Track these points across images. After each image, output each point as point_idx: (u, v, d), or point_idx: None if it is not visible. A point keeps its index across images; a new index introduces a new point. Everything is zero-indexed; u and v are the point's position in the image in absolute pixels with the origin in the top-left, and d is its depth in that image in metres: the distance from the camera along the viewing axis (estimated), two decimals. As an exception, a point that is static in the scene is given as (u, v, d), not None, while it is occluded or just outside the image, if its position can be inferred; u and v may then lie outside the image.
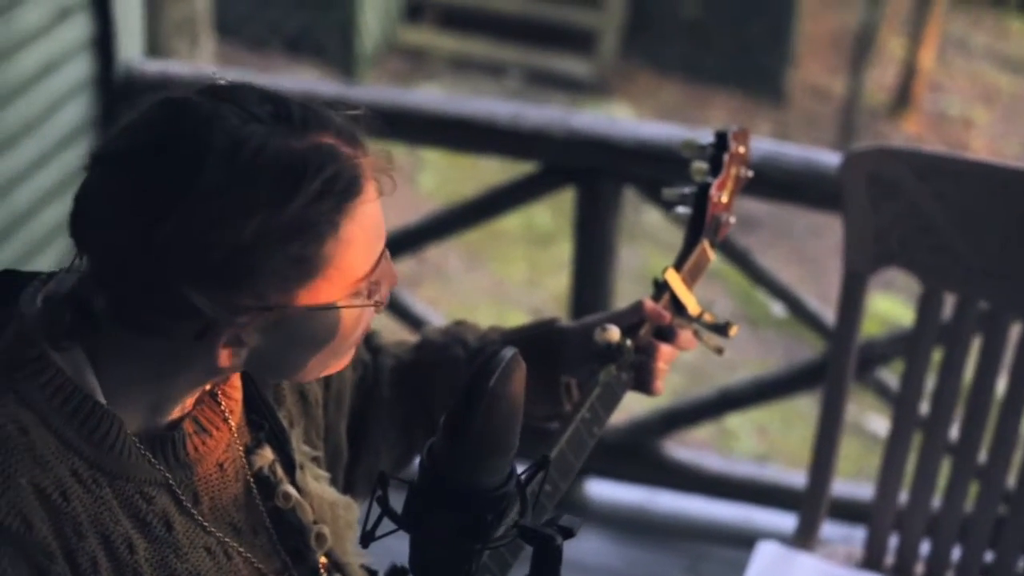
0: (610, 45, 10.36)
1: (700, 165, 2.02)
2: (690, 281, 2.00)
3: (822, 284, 7.51)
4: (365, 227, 1.50)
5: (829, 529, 2.91)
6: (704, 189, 2.01)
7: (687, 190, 2.03)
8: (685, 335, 1.95)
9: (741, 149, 2.06)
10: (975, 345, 2.71)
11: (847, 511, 3.55)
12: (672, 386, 6.83)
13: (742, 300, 7.73)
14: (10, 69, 3.49)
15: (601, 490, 3.97)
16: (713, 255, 2.05)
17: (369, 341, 2.01)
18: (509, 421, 1.42)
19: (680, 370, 7.06)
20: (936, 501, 2.77)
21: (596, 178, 3.58)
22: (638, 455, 3.87)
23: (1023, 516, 2.69)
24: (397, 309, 3.84)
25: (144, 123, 1.50)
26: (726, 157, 2.03)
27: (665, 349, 1.92)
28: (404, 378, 1.99)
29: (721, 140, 2.04)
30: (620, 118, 7.11)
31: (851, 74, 10.06)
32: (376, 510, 1.49)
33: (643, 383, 1.94)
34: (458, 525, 1.44)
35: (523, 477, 1.48)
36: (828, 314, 3.62)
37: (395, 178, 1.56)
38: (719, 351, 2.01)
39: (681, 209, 2.03)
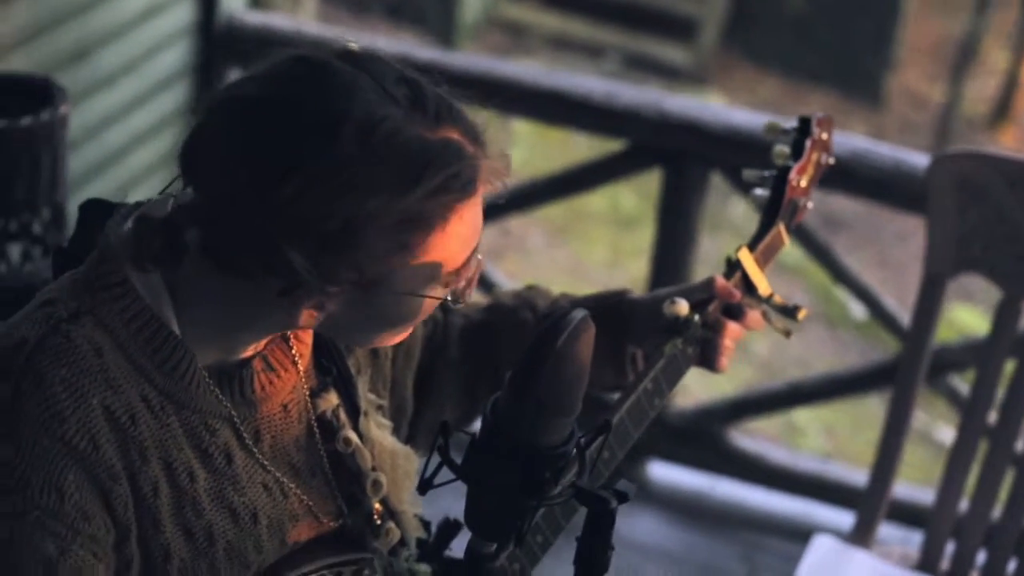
0: (710, 35, 10.34)
1: (782, 149, 2.03)
2: (763, 262, 2.00)
3: (903, 290, 7.46)
4: (468, 225, 1.54)
5: (886, 530, 2.93)
6: (784, 172, 2.01)
7: (767, 173, 2.04)
8: (753, 315, 1.95)
9: (824, 136, 2.06)
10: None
11: (906, 514, 3.55)
12: (744, 378, 6.84)
13: (822, 299, 7.70)
14: (115, 9, 3.55)
15: (663, 473, 3.99)
16: (787, 239, 2.05)
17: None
18: (574, 382, 1.44)
19: (752, 363, 7.06)
20: (996, 512, 2.77)
21: (684, 161, 3.60)
22: (703, 441, 3.90)
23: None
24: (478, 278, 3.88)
25: (279, 76, 1.53)
26: (808, 142, 2.03)
27: (732, 326, 1.93)
28: (473, 338, 2.01)
29: (804, 125, 2.05)
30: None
31: (951, 82, 9.98)
32: (436, 459, 1.52)
33: (708, 359, 1.95)
34: (515, 481, 1.46)
35: (583, 440, 1.51)
36: (906, 318, 3.61)
37: (506, 183, 1.59)
38: (787, 334, 2.01)
39: (759, 191, 2.04)
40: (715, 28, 10.36)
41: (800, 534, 3.37)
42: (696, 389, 6.21)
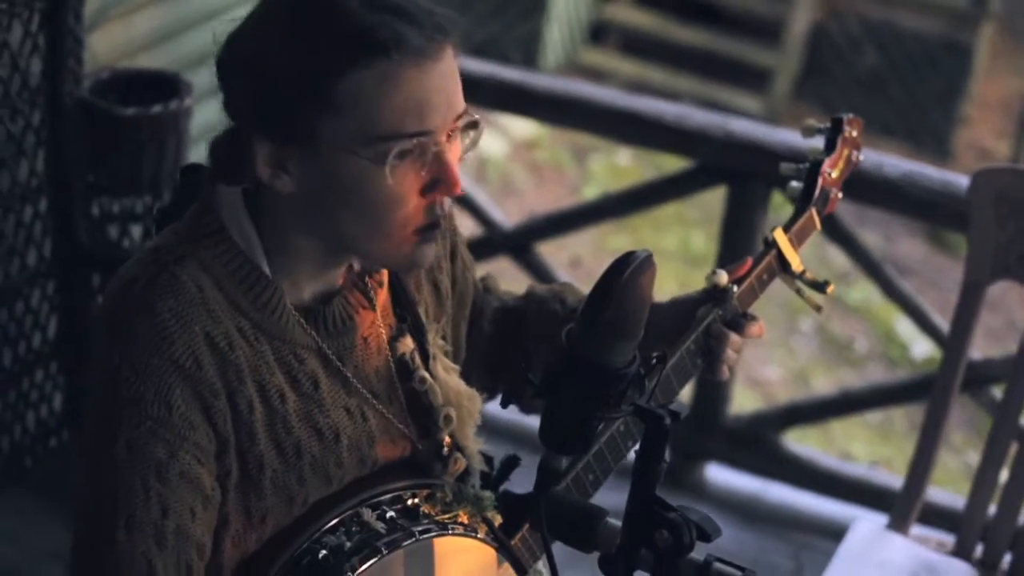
0: (784, 85, 10.48)
1: (816, 146, 2.29)
2: (796, 243, 2.24)
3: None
4: (393, 89, 1.69)
5: (917, 530, 3.06)
6: (817, 163, 2.27)
7: (802, 165, 2.29)
8: (753, 327, 2.16)
9: (854, 133, 2.34)
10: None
11: (939, 518, 3.67)
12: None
13: (883, 340, 7.84)
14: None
15: (719, 475, 4.17)
16: (819, 224, 2.30)
17: (483, 280, 2.25)
18: (637, 309, 1.66)
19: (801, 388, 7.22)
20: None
21: (748, 180, 3.79)
22: (757, 446, 4.08)
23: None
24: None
25: None
26: (840, 139, 2.30)
27: (734, 338, 2.13)
28: (505, 319, 2.23)
29: (837, 124, 2.31)
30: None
31: (1017, 137, 10.09)
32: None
33: (712, 367, 2.15)
34: (584, 395, 1.67)
35: (642, 368, 1.72)
36: (974, 354, 3.74)
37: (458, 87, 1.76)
38: (818, 309, 2.26)
39: (795, 183, 2.29)
40: (788, 78, 10.49)
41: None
42: (749, 397, 6.38)
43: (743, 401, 6.73)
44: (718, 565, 1.71)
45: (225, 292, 1.78)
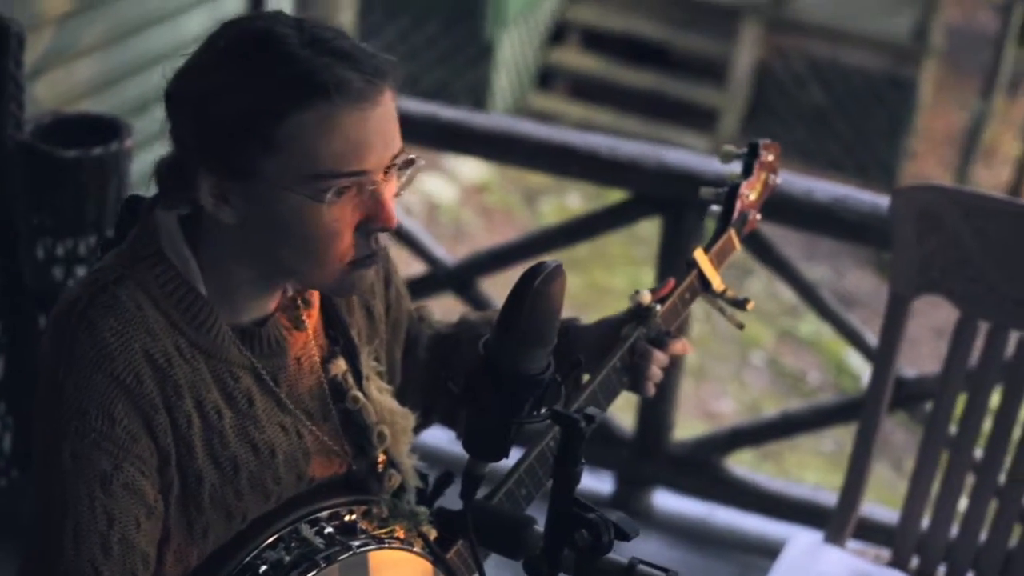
0: (730, 124, 10.57)
1: (734, 172, 2.38)
2: (716, 263, 2.33)
3: (915, 360, 7.68)
4: (333, 130, 1.76)
5: (855, 544, 3.09)
6: (735, 186, 2.36)
7: (721, 189, 2.38)
8: (677, 344, 2.24)
9: (770, 157, 2.42)
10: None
11: (876, 533, 3.71)
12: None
13: (834, 372, 7.92)
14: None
15: (666, 501, 4.21)
16: (739, 245, 2.38)
17: (418, 311, 2.32)
18: (549, 317, 1.73)
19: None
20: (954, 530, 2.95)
21: (681, 209, 3.84)
22: (702, 470, 4.12)
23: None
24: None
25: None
26: (756, 163, 2.38)
27: (658, 355, 2.21)
28: (439, 346, 2.30)
29: (753, 149, 2.40)
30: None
31: (961, 169, 10.22)
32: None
33: (637, 384, 2.22)
34: (502, 402, 1.74)
35: (559, 374, 1.78)
36: (909, 373, 3.84)
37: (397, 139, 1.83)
38: (740, 326, 2.34)
39: (715, 207, 2.37)
40: (735, 117, 10.59)
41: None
42: (694, 421, 6.41)
43: (696, 433, 6.79)
44: (642, 567, 1.76)
45: (163, 311, 1.85)
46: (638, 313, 2.22)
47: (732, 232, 2.36)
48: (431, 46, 10.29)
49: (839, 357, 7.76)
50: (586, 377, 2.19)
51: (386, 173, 1.83)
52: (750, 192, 2.37)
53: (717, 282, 2.30)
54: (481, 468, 1.81)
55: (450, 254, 4.25)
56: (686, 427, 6.82)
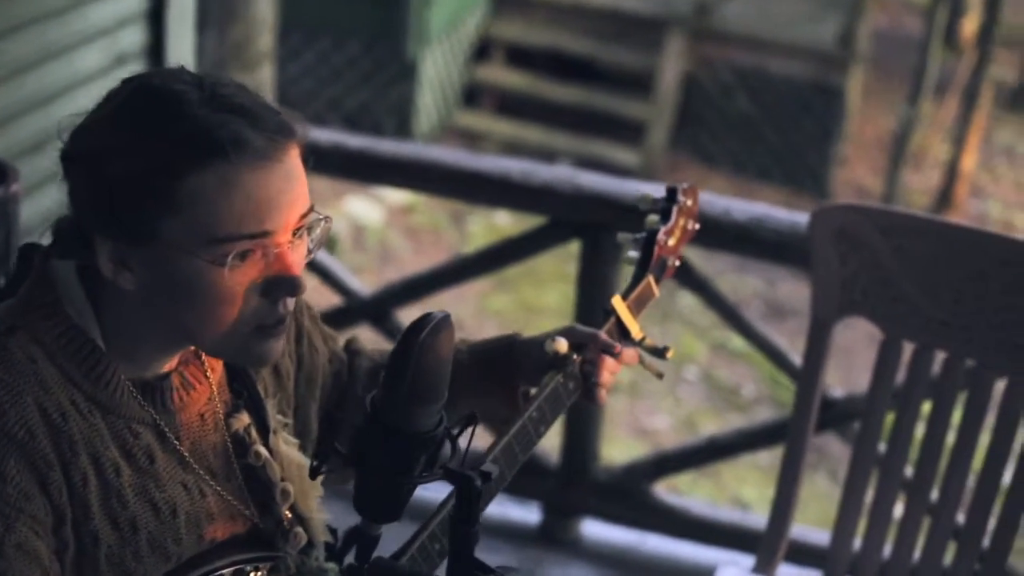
0: (659, 137, 10.58)
1: (653, 217, 2.30)
2: (635, 310, 2.24)
3: (850, 372, 7.67)
4: (233, 191, 1.69)
5: (786, 570, 3.06)
6: (653, 233, 2.28)
7: (638, 235, 2.30)
8: (628, 352, 2.17)
9: (690, 202, 2.34)
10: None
11: (809, 556, 3.63)
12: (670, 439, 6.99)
13: (769, 383, 7.90)
14: (74, 105, 3.77)
15: (594, 529, 4.15)
16: (657, 291, 2.30)
17: (349, 345, 2.24)
18: (437, 371, 1.66)
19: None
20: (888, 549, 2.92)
21: (599, 233, 3.78)
22: (630, 497, 4.06)
23: (967, 560, 2.84)
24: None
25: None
26: (675, 209, 2.31)
27: (609, 362, 2.14)
28: (376, 378, 2.22)
29: (671, 194, 2.33)
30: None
31: (891, 174, 10.26)
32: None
33: (588, 393, 2.15)
34: (392, 462, 1.68)
35: (454, 430, 1.73)
36: (836, 392, 3.81)
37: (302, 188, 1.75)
38: (660, 376, 2.26)
39: (632, 253, 2.30)
40: (663, 129, 10.60)
41: (726, 581, 3.54)
42: (622, 447, 6.37)
43: (631, 451, 6.73)
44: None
45: (58, 365, 1.77)
46: (555, 362, 2.13)
47: (651, 278, 2.28)
48: (352, 67, 10.22)
49: (773, 369, 7.71)
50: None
51: (294, 234, 1.76)
52: (668, 238, 2.30)
53: (635, 330, 2.23)
54: (376, 529, 1.76)
55: (378, 278, 4.17)
56: (619, 445, 6.80)
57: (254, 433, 1.95)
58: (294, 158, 1.75)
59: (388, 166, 3.85)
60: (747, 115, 10.74)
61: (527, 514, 4.16)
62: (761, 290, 8.83)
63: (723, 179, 10.47)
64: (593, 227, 3.80)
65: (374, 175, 4.09)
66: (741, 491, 6.75)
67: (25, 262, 1.87)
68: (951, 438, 2.86)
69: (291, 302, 1.79)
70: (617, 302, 2.22)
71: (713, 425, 7.40)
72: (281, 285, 1.76)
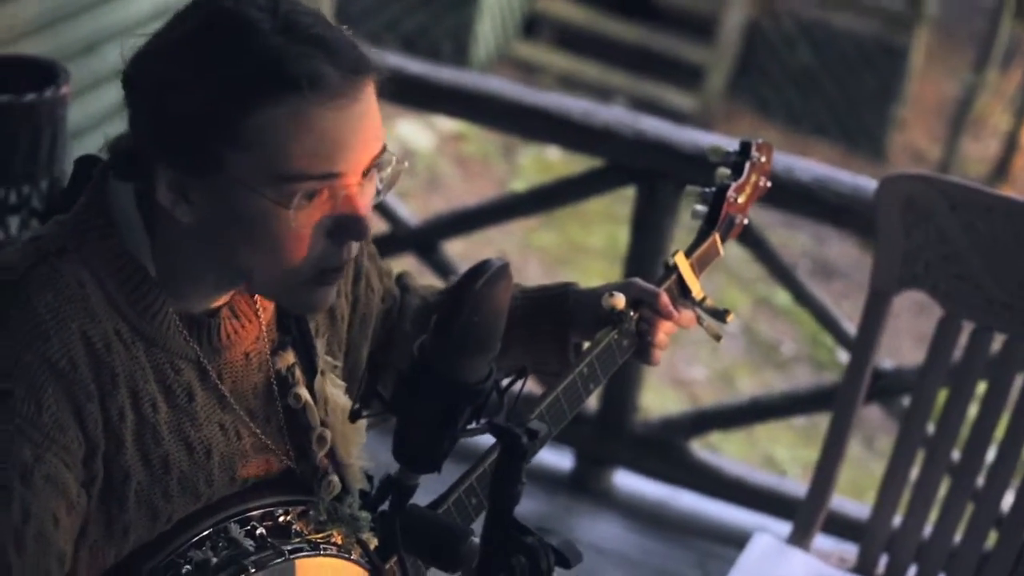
0: (717, 82, 10.45)
1: (723, 170, 2.21)
2: (697, 268, 2.16)
3: (893, 341, 7.58)
4: (304, 129, 1.61)
5: (822, 540, 3.01)
6: (723, 189, 2.19)
7: (707, 189, 2.21)
8: (686, 314, 2.11)
9: (763, 159, 2.24)
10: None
11: (846, 529, 3.64)
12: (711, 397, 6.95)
13: (809, 343, 7.82)
14: (126, 8, 3.72)
15: (627, 481, 4.11)
16: (723, 250, 2.22)
17: (400, 280, 2.18)
18: (492, 322, 1.59)
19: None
20: (928, 528, 2.87)
21: (657, 180, 3.71)
22: (666, 452, 4.01)
23: (1009, 549, 2.78)
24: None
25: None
26: (748, 164, 2.21)
27: (665, 323, 2.07)
28: (427, 318, 2.13)
29: (745, 148, 2.23)
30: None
31: (950, 141, 10.11)
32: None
33: (642, 352, 2.09)
34: (436, 412, 1.61)
35: (503, 383, 1.66)
36: (886, 364, 3.72)
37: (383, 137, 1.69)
38: (717, 338, 2.18)
39: (699, 207, 2.21)
40: (722, 76, 10.48)
41: (755, 544, 3.49)
42: (661, 400, 6.34)
43: (666, 401, 6.69)
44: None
45: (105, 291, 1.70)
46: (610, 317, 2.04)
47: (717, 236, 2.19)
48: (413, -12, 10.11)
49: (815, 328, 7.63)
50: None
51: (363, 176, 1.69)
52: (738, 195, 2.20)
53: (697, 289, 2.15)
54: (413, 479, 1.69)
55: (424, 204, 4.11)
56: (653, 394, 6.74)
57: (298, 373, 1.90)
58: (370, 95, 1.67)
59: (446, 95, 3.78)
60: (808, 68, 10.59)
61: (560, 460, 4.12)
62: (809, 248, 8.73)
63: (777, 132, 10.34)
64: (651, 174, 3.73)
65: (431, 103, 4.00)
66: (774, 451, 6.68)
67: (81, 177, 1.80)
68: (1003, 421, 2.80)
69: (355, 247, 1.73)
70: (680, 259, 2.14)
71: (750, 381, 7.33)
72: (347, 228, 1.69)
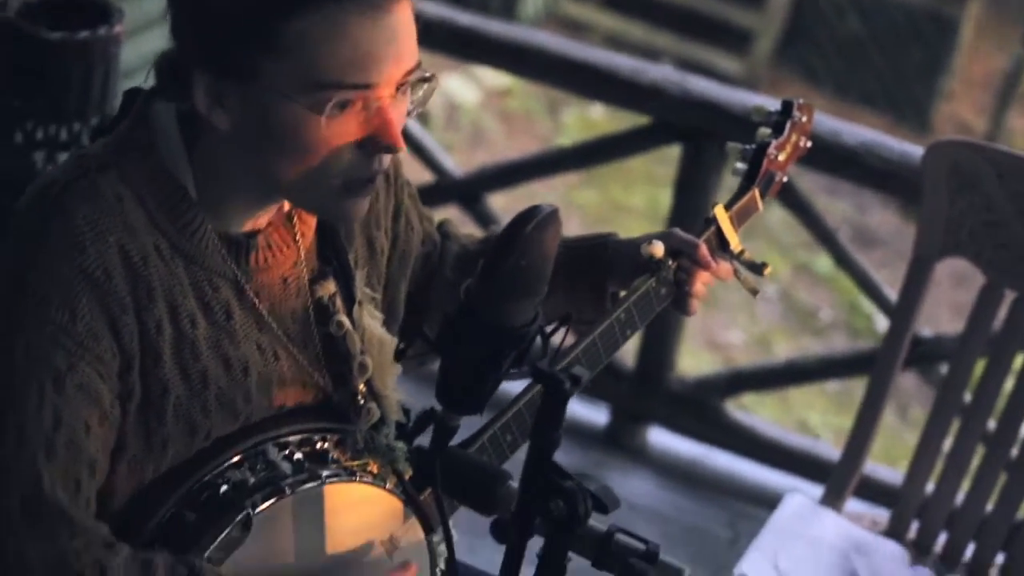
0: (764, 48, 10.39)
1: (764, 129, 2.24)
2: (736, 222, 2.20)
3: (931, 305, 7.54)
4: (340, 37, 1.65)
5: (854, 504, 3.03)
6: (764, 145, 2.23)
7: (749, 146, 2.25)
8: (724, 265, 2.13)
9: (804, 119, 2.29)
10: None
11: (878, 494, 3.66)
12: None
13: (847, 310, 7.79)
14: None
15: (661, 438, 4.12)
16: (762, 205, 2.26)
17: (441, 227, 2.21)
18: (539, 267, 1.61)
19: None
20: (961, 496, 2.87)
21: (703, 140, 3.72)
22: (701, 411, 4.02)
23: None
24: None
25: None
26: (789, 124, 2.25)
27: (703, 273, 2.10)
28: (466, 265, 2.17)
29: (787, 108, 2.27)
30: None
31: (996, 115, 10.04)
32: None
33: (679, 302, 2.12)
34: (480, 354, 1.63)
35: (548, 328, 1.67)
36: (925, 332, 3.73)
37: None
38: (754, 292, 2.20)
39: (740, 164, 2.24)
40: (769, 41, 10.41)
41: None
42: (696, 361, 6.36)
43: (702, 364, 6.68)
44: (620, 537, 1.64)
45: (145, 208, 1.74)
46: (649, 265, 2.06)
47: (756, 192, 2.24)
48: (462, -59, 10.08)
49: (853, 295, 7.61)
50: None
51: (397, 90, 1.72)
52: (779, 152, 2.25)
53: (735, 242, 2.18)
54: (455, 420, 1.70)
55: (467, 158, 4.12)
56: (689, 356, 6.74)
57: (339, 302, 1.92)
58: (405, 11, 1.70)
59: (495, 47, 3.79)
60: (856, 37, 10.51)
61: (595, 415, 4.13)
62: (850, 215, 8.69)
63: (824, 99, 10.27)
64: (698, 133, 3.73)
65: (480, 55, 4.01)
66: (808, 415, 6.67)
67: (128, 107, 1.84)
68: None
69: (386, 159, 1.76)
70: (719, 211, 2.17)
71: (786, 345, 7.31)
72: (378, 139, 1.72)
